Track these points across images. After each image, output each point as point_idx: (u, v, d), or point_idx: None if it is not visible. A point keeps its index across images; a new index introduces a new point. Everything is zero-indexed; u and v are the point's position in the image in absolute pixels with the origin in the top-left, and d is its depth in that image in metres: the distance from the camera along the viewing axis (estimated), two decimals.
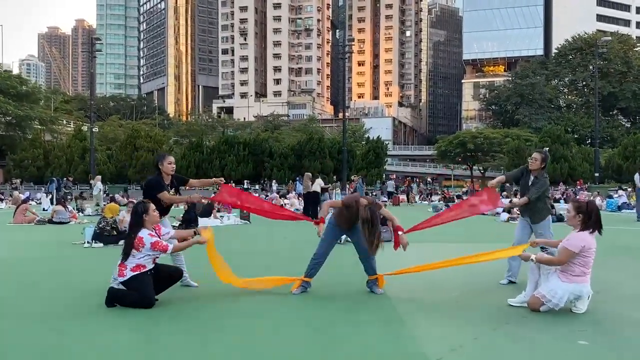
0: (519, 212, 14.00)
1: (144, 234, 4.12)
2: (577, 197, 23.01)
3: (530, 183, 5.04)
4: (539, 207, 5.00)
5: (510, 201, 5.16)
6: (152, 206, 4.26)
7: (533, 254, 4.20)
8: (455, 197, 21.68)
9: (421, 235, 9.62)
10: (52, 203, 17.73)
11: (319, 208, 13.88)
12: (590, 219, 3.99)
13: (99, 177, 21.79)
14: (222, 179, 5.05)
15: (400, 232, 4.66)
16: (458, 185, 46.36)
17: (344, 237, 5.53)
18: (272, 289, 4.71)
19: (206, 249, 4.50)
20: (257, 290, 4.69)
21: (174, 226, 9.02)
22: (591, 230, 3.99)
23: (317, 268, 4.65)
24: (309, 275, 4.65)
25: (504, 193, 20.45)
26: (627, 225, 12.89)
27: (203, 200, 4.85)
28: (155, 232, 4.30)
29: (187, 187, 5.08)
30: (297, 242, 8.97)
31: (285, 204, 18.56)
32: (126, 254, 4.11)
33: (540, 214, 5.00)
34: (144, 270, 4.12)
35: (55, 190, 21.34)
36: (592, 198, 21.16)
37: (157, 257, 4.23)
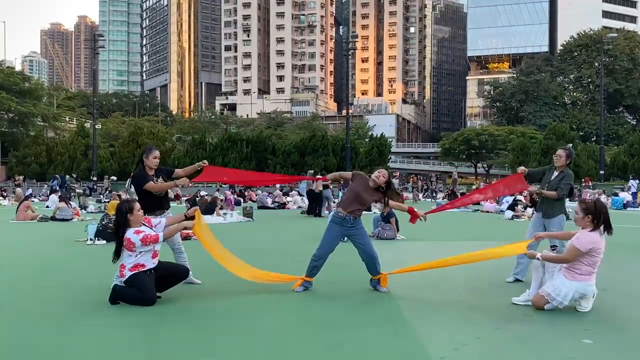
0: (522, 211, 13.87)
1: (129, 234, 4.10)
2: (582, 195, 22.90)
3: (553, 177, 5.07)
4: (556, 204, 5.01)
5: (540, 192, 5.10)
6: (137, 205, 4.22)
7: (539, 252, 4.17)
8: (459, 195, 21.57)
9: (424, 234, 9.59)
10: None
11: (324, 207, 13.86)
12: (600, 219, 3.95)
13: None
14: (205, 161, 5.04)
15: (416, 211, 4.69)
16: (467, 182, 46.09)
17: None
18: (275, 287, 4.70)
19: (202, 243, 4.52)
20: (260, 283, 4.67)
21: None
22: (601, 230, 3.95)
23: (317, 268, 4.61)
24: (310, 275, 4.63)
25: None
26: (633, 223, 12.82)
27: (189, 184, 4.84)
28: (145, 226, 4.28)
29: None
30: (301, 239, 8.94)
31: (288, 202, 18.57)
32: (117, 253, 4.15)
33: (555, 210, 4.99)
34: (142, 270, 4.11)
35: (58, 187, 21.39)
36: (597, 196, 21.04)
37: (156, 252, 4.20)
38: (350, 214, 4.54)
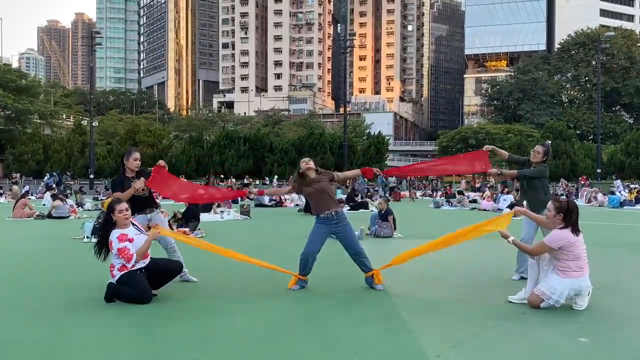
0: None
1: (113, 237, 4.07)
2: (580, 194, 22.99)
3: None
4: (541, 199, 5.03)
5: (501, 172, 5.20)
6: (120, 206, 4.14)
7: (512, 236, 4.21)
8: (456, 193, 21.63)
9: (421, 231, 9.59)
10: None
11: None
12: (570, 218, 4.02)
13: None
14: (162, 161, 4.81)
15: (370, 168, 4.93)
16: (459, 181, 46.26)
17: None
18: (271, 286, 4.70)
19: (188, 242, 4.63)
20: (257, 265, 4.71)
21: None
22: (571, 228, 3.98)
23: (308, 266, 4.62)
24: (303, 273, 4.64)
25: (506, 190, 20.41)
26: (630, 222, 12.86)
27: (143, 187, 4.70)
28: (136, 228, 4.24)
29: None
30: (298, 237, 8.93)
31: (285, 199, 18.55)
32: (99, 251, 4.16)
33: (542, 206, 4.99)
34: (132, 270, 4.08)
35: (54, 185, 21.33)
36: (594, 194, 21.11)
37: (147, 253, 4.19)
38: (327, 211, 4.57)
